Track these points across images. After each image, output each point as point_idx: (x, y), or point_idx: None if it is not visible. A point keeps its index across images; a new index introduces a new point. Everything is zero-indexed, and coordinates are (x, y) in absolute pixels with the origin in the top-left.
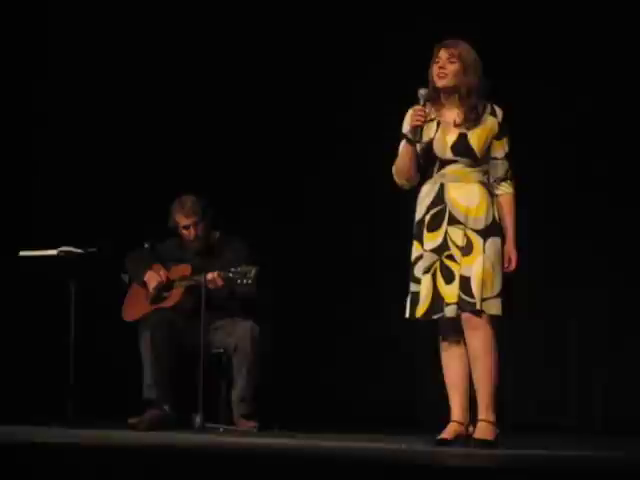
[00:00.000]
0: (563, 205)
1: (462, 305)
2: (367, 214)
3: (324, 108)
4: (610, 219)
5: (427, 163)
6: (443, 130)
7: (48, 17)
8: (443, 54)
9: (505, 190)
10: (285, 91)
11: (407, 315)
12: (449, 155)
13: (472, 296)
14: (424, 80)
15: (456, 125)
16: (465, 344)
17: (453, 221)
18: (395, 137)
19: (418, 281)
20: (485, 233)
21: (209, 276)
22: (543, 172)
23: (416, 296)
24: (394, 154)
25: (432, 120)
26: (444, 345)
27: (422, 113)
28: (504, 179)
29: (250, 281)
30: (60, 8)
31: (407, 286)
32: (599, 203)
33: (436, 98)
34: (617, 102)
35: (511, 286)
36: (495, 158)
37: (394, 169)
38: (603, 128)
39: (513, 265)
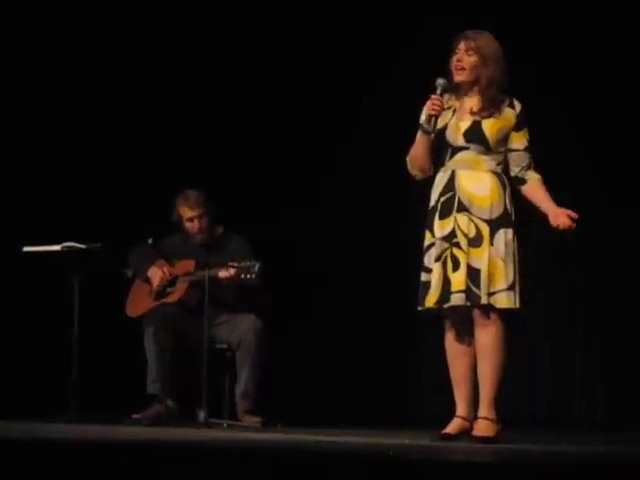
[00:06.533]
0: (570, 204)
1: (470, 295)
2: (368, 208)
3: (326, 107)
4: (615, 218)
5: (440, 151)
6: (458, 117)
7: (48, 16)
8: (462, 46)
9: (533, 175)
10: (286, 89)
11: (419, 307)
12: (461, 142)
13: (479, 289)
14: (444, 70)
15: (472, 113)
16: (473, 338)
17: (461, 208)
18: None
19: (428, 270)
20: (494, 224)
21: (222, 273)
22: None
23: (426, 286)
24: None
25: (449, 108)
26: (450, 339)
27: (438, 102)
28: (529, 167)
29: (254, 276)
30: (60, 6)
31: (412, 278)
32: (603, 201)
33: (457, 88)
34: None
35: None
36: (516, 150)
37: (408, 159)
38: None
39: (572, 218)
